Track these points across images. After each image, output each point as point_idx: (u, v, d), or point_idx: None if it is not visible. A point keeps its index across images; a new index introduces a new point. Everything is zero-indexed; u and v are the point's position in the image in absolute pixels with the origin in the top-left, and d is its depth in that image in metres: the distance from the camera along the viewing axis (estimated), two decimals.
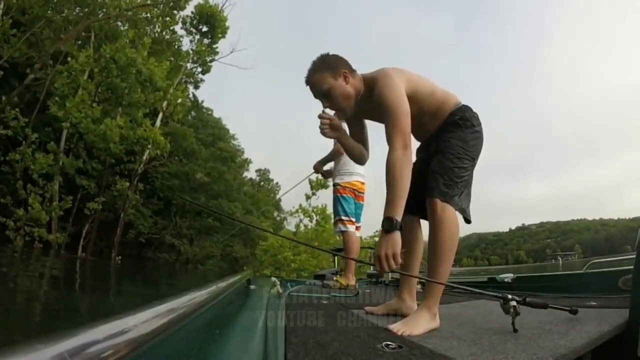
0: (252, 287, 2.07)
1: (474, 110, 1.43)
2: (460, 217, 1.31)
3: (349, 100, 1.37)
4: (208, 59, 20.07)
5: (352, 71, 1.39)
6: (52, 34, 14.05)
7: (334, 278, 2.83)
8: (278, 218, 28.75)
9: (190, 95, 23.62)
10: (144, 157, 17.13)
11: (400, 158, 1.16)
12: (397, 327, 1.11)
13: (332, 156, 3.12)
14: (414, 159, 1.30)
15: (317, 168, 3.30)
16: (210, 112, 26.76)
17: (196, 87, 23.78)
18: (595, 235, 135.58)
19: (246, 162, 28.63)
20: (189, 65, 20.01)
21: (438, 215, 1.23)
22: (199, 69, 20.76)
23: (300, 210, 13.79)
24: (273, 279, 2.32)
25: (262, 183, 35.66)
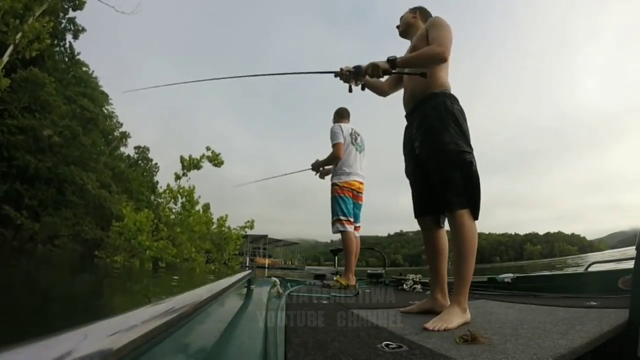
0: (252, 287, 2.07)
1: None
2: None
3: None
4: None
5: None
6: None
7: (334, 278, 2.83)
8: (155, 202, 25.19)
9: (67, 45, 20.55)
10: None
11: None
12: (433, 324, 1.15)
13: (331, 160, 3.12)
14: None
15: (316, 167, 3.28)
16: (89, 71, 23.21)
17: (75, 36, 20.92)
18: None
19: (124, 136, 25.13)
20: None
21: (467, 223, 1.34)
22: (69, 3, 18.07)
23: (167, 192, 12.07)
24: (273, 279, 2.32)
25: (140, 162, 31.89)
